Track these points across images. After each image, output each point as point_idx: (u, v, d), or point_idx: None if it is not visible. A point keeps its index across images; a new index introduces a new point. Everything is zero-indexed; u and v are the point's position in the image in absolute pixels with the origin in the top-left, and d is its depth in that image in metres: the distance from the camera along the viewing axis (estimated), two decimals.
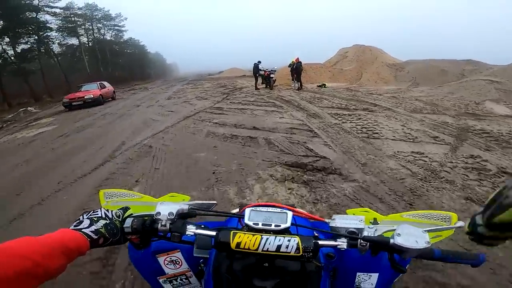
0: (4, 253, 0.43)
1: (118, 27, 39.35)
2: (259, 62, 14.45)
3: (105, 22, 37.45)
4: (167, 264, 0.85)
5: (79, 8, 33.35)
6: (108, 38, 39.34)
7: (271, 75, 13.84)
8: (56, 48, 30.93)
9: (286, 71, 17.20)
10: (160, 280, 0.88)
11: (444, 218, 0.77)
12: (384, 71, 16.31)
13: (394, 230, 0.61)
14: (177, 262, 0.85)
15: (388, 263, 0.63)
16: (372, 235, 0.62)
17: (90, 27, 35.72)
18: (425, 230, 0.60)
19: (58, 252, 0.50)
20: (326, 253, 0.78)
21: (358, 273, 0.78)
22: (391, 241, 0.59)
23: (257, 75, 14.19)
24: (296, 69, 14.28)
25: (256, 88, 13.85)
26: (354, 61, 17.60)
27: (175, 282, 0.88)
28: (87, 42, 36.08)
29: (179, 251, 0.83)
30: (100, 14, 36.22)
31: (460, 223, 0.66)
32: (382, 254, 0.64)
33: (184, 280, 0.88)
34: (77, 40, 33.64)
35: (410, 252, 0.57)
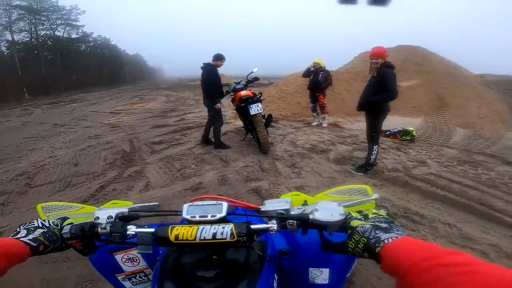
0: None
1: (71, 22, 31.18)
2: (241, 82, 5.29)
3: (52, 16, 29.36)
4: (124, 261, 0.87)
5: None
6: (59, 34, 31.15)
7: (253, 105, 4.46)
8: None
9: (299, 85, 9.09)
10: (119, 278, 0.89)
11: (362, 192, 0.77)
12: (485, 94, 8.56)
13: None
14: (135, 260, 0.87)
15: (338, 257, 0.71)
16: (300, 213, 0.64)
17: (33, 21, 27.75)
18: (340, 204, 0.62)
19: (1, 256, 0.51)
20: (280, 249, 0.82)
21: (310, 269, 0.81)
22: (311, 216, 0.60)
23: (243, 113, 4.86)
24: (316, 83, 6.37)
25: (206, 143, 5.27)
26: (414, 72, 9.78)
27: (134, 280, 0.89)
28: (31, 39, 28.14)
29: (135, 249, 0.83)
30: (47, 5, 28.32)
31: (375, 195, 0.73)
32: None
33: (143, 277, 0.89)
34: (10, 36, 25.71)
35: (330, 226, 0.59)
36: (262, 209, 0.70)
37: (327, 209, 0.61)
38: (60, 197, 3.42)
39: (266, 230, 0.64)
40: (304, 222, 0.62)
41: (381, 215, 0.59)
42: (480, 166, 4.14)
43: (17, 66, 24.54)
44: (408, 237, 0.49)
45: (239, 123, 6.42)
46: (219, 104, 4.84)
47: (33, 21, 27.97)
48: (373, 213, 0.60)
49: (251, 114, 4.41)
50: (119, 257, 0.86)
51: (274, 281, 0.74)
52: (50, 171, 4.28)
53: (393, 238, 0.49)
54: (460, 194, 3.22)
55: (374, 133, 3.70)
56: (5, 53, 27.04)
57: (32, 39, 28.40)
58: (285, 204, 0.68)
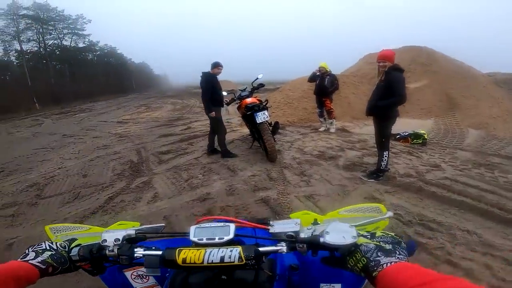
0: None
1: (77, 31, 31.79)
2: (247, 89, 5.27)
3: (59, 25, 29.97)
4: (134, 278, 0.87)
5: (25, 8, 26.26)
6: (67, 43, 31.78)
7: (259, 113, 4.37)
8: None
9: (305, 90, 9.04)
10: None
11: (375, 210, 0.77)
12: (496, 93, 8.33)
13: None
14: (144, 277, 0.87)
15: (352, 273, 0.62)
16: (310, 236, 0.62)
17: (41, 31, 28.37)
18: (352, 225, 0.60)
19: (10, 280, 0.52)
20: (290, 264, 0.80)
21: (321, 284, 0.80)
22: (321, 240, 0.59)
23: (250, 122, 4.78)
24: (322, 88, 6.29)
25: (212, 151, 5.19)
26: (421, 73, 9.65)
27: None
28: (39, 49, 28.76)
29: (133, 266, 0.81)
30: (53, 15, 28.93)
31: (389, 213, 0.72)
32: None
33: None
34: (19, 45, 26.34)
35: (342, 249, 0.57)
36: (270, 231, 0.69)
37: (338, 231, 0.59)
38: (69, 208, 3.42)
39: (275, 252, 0.63)
40: (314, 245, 0.61)
41: (389, 234, 0.58)
42: (496, 168, 4.01)
43: (26, 75, 25.09)
44: (406, 263, 0.50)
45: (246, 130, 6.38)
46: (213, 113, 4.77)
47: (41, 30, 28.64)
48: (381, 232, 0.60)
49: (258, 122, 4.36)
50: (128, 274, 0.88)
51: None
52: (59, 182, 4.31)
53: (392, 263, 0.49)
54: (477, 199, 3.11)
55: (383, 138, 3.61)
56: (15, 63, 27.67)
57: (41, 49, 29.06)
58: (294, 226, 0.66)
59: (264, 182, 3.81)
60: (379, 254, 0.52)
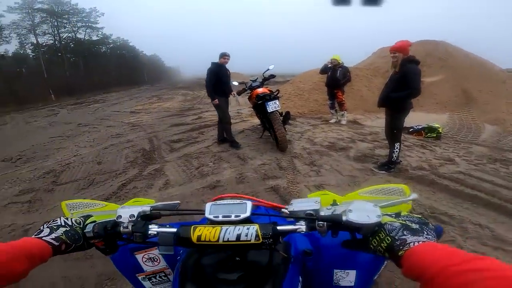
0: None
1: (91, 24, 32.19)
2: (258, 79, 5.25)
3: (73, 18, 30.39)
4: (145, 261, 0.86)
5: (40, 2, 26.66)
6: (81, 37, 32.26)
7: (270, 103, 4.37)
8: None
9: (316, 82, 8.94)
10: (139, 278, 0.89)
11: (398, 192, 0.73)
12: None
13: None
14: (155, 260, 0.86)
15: (365, 259, 0.69)
16: (331, 214, 0.60)
17: (56, 24, 28.83)
18: (376, 205, 0.57)
19: (22, 257, 0.51)
20: (303, 249, 0.77)
21: (335, 270, 0.78)
22: (344, 218, 0.56)
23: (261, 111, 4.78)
24: (334, 80, 6.21)
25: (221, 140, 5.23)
26: (437, 68, 9.37)
27: (154, 280, 0.89)
28: (54, 42, 29.30)
29: (156, 248, 0.82)
30: (67, 8, 29.31)
31: (414, 195, 0.68)
32: (358, 251, 0.60)
33: (163, 277, 0.88)
34: (35, 38, 26.86)
35: (365, 229, 0.55)
36: (289, 209, 0.66)
37: (362, 210, 0.56)
38: (84, 194, 3.53)
39: (293, 232, 0.60)
40: (336, 224, 0.58)
41: (415, 215, 0.55)
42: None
43: (42, 68, 25.70)
44: (436, 243, 0.47)
45: (256, 121, 6.40)
46: (216, 100, 4.82)
47: (55, 24, 29.08)
48: (407, 212, 0.57)
49: (269, 111, 4.36)
50: (139, 256, 0.86)
51: (299, 283, 0.71)
52: (75, 169, 4.44)
53: (420, 242, 0.47)
54: (491, 194, 3.04)
55: (395, 130, 3.55)
56: (31, 56, 28.31)
57: (56, 42, 29.57)
58: (314, 204, 0.64)
59: (274, 171, 3.83)
60: (405, 233, 0.50)
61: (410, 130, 5.40)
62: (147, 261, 0.87)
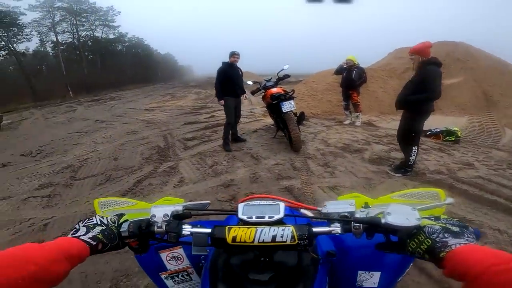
0: (12, 258, 0.44)
1: (108, 23, 32.87)
2: (272, 79, 5.26)
3: (91, 17, 31.10)
4: (169, 260, 0.87)
5: (60, 0, 27.41)
6: (98, 35, 33.03)
7: (285, 103, 4.37)
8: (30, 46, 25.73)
9: (329, 82, 8.86)
10: (162, 276, 0.89)
11: (433, 196, 0.73)
12: None
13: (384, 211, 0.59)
14: (179, 258, 0.87)
15: (391, 259, 0.69)
16: (365, 217, 0.61)
17: (75, 22, 29.60)
18: (414, 208, 0.58)
19: (62, 258, 0.50)
20: (327, 251, 0.76)
21: (359, 271, 0.78)
22: (383, 220, 0.57)
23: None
24: (349, 81, 6.14)
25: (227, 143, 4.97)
26: (456, 69, 8.97)
27: (176, 279, 0.89)
28: (73, 40, 30.09)
29: (181, 247, 0.85)
30: (86, 7, 30.01)
31: (450, 200, 0.68)
32: (384, 253, 0.62)
33: (185, 276, 0.89)
34: (55, 36, 27.64)
35: (403, 231, 0.55)
36: (322, 211, 0.66)
37: (401, 213, 0.56)
38: (101, 190, 3.61)
39: (328, 233, 0.61)
40: (373, 226, 0.58)
41: (454, 219, 0.56)
42: None
43: (61, 65, 26.46)
44: (476, 245, 0.48)
45: (269, 120, 6.39)
46: (222, 101, 4.81)
47: (74, 22, 29.82)
48: (445, 216, 0.58)
49: (284, 111, 4.34)
50: (164, 255, 0.86)
51: (326, 284, 0.71)
52: (92, 165, 4.56)
53: (461, 244, 0.48)
54: (511, 199, 2.94)
55: (413, 133, 3.47)
56: (50, 54, 29.16)
57: (74, 40, 30.32)
58: (349, 206, 0.64)
59: (287, 171, 3.82)
60: (445, 235, 0.51)
61: (428, 133, 5.27)
62: (171, 259, 0.87)
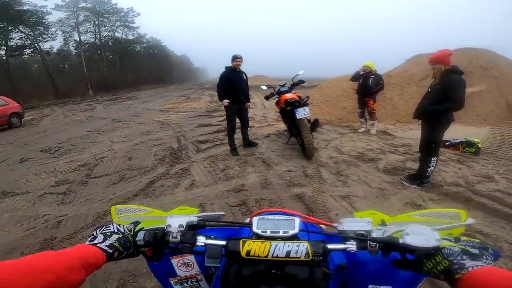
0: (29, 266, 0.44)
1: (128, 23, 33.81)
2: (286, 84, 5.20)
3: (112, 18, 32.05)
4: (179, 266, 0.87)
5: (84, 0, 28.44)
6: (118, 35, 34.02)
7: (299, 109, 4.28)
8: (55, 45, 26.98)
9: (344, 89, 8.76)
10: (172, 282, 0.89)
11: (453, 216, 0.74)
12: None
13: (402, 230, 0.59)
14: (189, 265, 0.87)
15: (402, 275, 0.67)
16: (381, 236, 0.60)
17: (97, 23, 30.58)
18: (434, 228, 0.57)
19: (78, 266, 0.50)
20: (338, 264, 0.76)
21: (370, 286, 0.77)
22: (400, 240, 0.56)
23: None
24: (366, 88, 6.02)
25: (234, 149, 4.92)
26: (479, 77, 8.65)
27: (185, 284, 0.89)
28: (95, 40, 31.08)
29: (192, 254, 0.84)
30: (108, 8, 30.97)
31: (471, 220, 0.67)
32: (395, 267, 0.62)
33: (194, 283, 0.89)
34: (78, 36, 28.67)
35: (421, 251, 0.55)
36: (339, 228, 0.66)
37: (419, 233, 0.56)
38: (115, 189, 3.68)
39: (343, 250, 0.61)
40: (390, 245, 0.58)
41: (475, 240, 0.57)
42: None
43: (83, 64, 27.37)
44: (493, 267, 0.49)
45: (282, 126, 6.36)
46: (225, 101, 4.64)
47: (97, 22, 30.79)
48: (465, 237, 0.57)
49: (297, 118, 4.31)
50: (175, 261, 0.87)
51: None
52: (107, 164, 4.66)
53: (478, 266, 0.49)
54: None
55: (433, 144, 3.36)
56: (73, 53, 30.21)
57: (96, 40, 31.29)
58: (366, 225, 0.64)
59: (299, 178, 3.77)
60: (464, 257, 0.51)
61: (447, 143, 5.09)
62: (182, 266, 0.88)
